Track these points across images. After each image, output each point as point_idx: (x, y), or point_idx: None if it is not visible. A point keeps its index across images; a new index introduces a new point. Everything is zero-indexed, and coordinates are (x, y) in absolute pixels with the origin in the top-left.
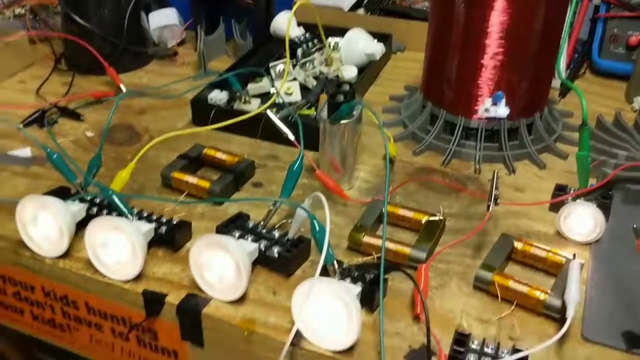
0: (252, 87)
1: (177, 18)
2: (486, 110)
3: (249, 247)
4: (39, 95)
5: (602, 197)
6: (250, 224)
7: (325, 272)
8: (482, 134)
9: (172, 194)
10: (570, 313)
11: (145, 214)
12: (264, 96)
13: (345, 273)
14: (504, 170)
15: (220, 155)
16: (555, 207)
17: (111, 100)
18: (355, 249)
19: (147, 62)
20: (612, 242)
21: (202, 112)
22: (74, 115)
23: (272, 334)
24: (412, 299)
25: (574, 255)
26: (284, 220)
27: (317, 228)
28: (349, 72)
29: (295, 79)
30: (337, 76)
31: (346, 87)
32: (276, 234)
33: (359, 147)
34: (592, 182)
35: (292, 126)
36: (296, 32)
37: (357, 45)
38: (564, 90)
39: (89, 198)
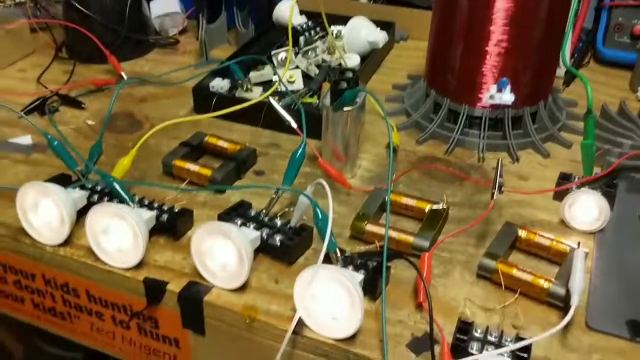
0: (254, 75)
1: (179, 6)
2: (491, 97)
3: (251, 235)
4: (39, 84)
5: (607, 186)
6: (252, 212)
7: (327, 261)
8: (485, 123)
9: (173, 181)
10: (574, 301)
11: (146, 202)
12: (266, 84)
13: (348, 261)
14: (508, 159)
15: (221, 143)
16: (560, 195)
17: (112, 88)
18: (357, 237)
19: (149, 51)
20: (616, 230)
21: (203, 100)
22: (75, 104)
23: (273, 322)
24: (415, 287)
25: (579, 244)
26: (286, 209)
27: (320, 216)
28: (352, 61)
29: (297, 67)
30: (340, 64)
31: (349, 74)
32: (278, 222)
33: (361, 135)
34: (597, 170)
35: (295, 114)
36: (298, 20)
37: (360, 33)
38: (569, 79)
39: (90, 185)
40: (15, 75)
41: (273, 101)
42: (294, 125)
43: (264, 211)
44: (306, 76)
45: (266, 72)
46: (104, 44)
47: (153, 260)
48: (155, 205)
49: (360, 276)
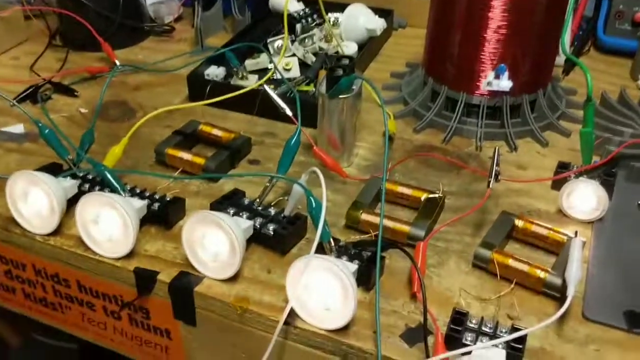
0: (249, 63)
1: None
2: (488, 83)
3: (243, 224)
4: (33, 71)
5: (606, 175)
6: (246, 201)
7: (321, 251)
8: (484, 111)
9: (166, 170)
10: (570, 291)
11: (138, 191)
12: (262, 72)
13: (342, 251)
14: (506, 147)
15: (216, 132)
16: (558, 185)
17: (106, 76)
18: (353, 227)
19: (143, 38)
20: (615, 220)
21: (198, 88)
22: (68, 91)
23: (265, 313)
24: (409, 277)
25: (576, 233)
26: (281, 198)
27: (314, 204)
28: (349, 48)
29: (294, 54)
30: (337, 52)
31: (346, 61)
32: (272, 211)
33: (358, 124)
34: (596, 159)
35: (291, 103)
36: (295, 7)
37: (358, 20)
38: (568, 68)
39: (81, 174)
40: (8, 63)
41: (268, 88)
42: (289, 113)
43: (257, 200)
44: (303, 64)
45: (262, 60)
46: (98, 32)
47: (144, 250)
48: (147, 194)
49: (354, 266)
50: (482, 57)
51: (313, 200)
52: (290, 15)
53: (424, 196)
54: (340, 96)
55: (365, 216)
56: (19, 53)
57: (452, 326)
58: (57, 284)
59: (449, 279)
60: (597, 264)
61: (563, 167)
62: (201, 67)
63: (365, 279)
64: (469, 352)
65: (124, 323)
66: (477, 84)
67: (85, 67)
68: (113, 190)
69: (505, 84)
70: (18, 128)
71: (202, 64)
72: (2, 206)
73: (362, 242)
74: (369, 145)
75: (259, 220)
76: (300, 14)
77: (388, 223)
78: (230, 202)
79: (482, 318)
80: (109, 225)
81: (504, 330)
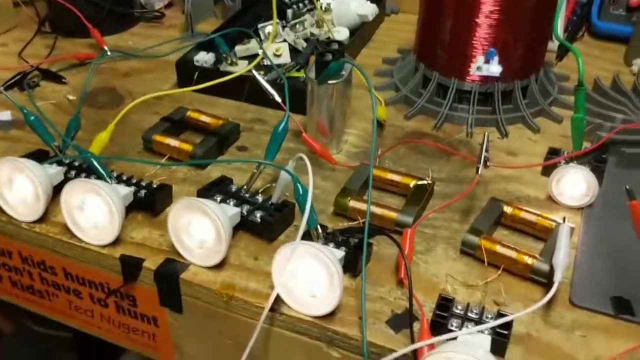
0: (239, 49)
1: None
2: (478, 68)
3: (230, 211)
4: (21, 58)
5: (596, 161)
6: (233, 188)
7: (308, 238)
8: (475, 97)
9: (154, 157)
10: (557, 277)
11: (124, 178)
12: (252, 58)
13: (330, 238)
14: (497, 134)
15: (204, 118)
16: (548, 171)
17: (95, 63)
18: (341, 214)
19: (133, 25)
20: (604, 206)
21: (187, 74)
22: (56, 78)
23: (251, 300)
24: (397, 263)
25: (564, 219)
26: (268, 185)
27: (301, 191)
28: (340, 34)
29: (285, 40)
30: (328, 38)
31: (335, 46)
32: (259, 198)
33: (348, 110)
34: (587, 145)
35: (281, 89)
36: None
37: (349, 6)
38: (562, 53)
39: (67, 161)
40: None
41: (256, 74)
42: (277, 98)
43: (245, 187)
44: (294, 50)
45: (252, 46)
46: (88, 18)
47: (130, 237)
48: (134, 181)
49: (341, 253)
50: (473, 42)
51: (300, 187)
52: (281, 1)
53: (413, 183)
54: (330, 82)
55: (353, 203)
56: (7, 40)
57: (437, 312)
58: (43, 272)
59: (437, 266)
60: (586, 250)
61: (553, 153)
62: (190, 53)
63: (352, 266)
64: (455, 338)
65: (110, 311)
66: (469, 69)
67: (74, 53)
68: (99, 177)
69: (494, 68)
70: (5, 115)
71: (191, 50)
72: None
73: (349, 229)
74: (358, 132)
75: (246, 207)
76: None
77: (376, 210)
78: (217, 189)
79: (468, 304)
80: (94, 212)
81: (490, 316)
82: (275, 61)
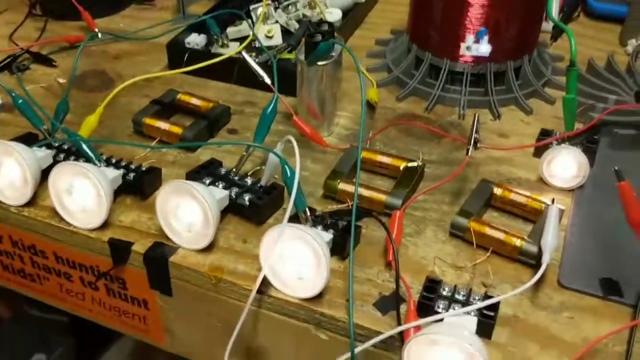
0: (231, 31)
1: None
2: (468, 48)
3: (218, 194)
4: (11, 41)
5: (588, 142)
6: (222, 171)
7: (297, 221)
8: (467, 78)
9: (143, 140)
10: (545, 259)
11: (114, 161)
12: (244, 40)
13: (318, 221)
14: (490, 116)
15: (194, 101)
16: (540, 153)
17: (86, 45)
18: (330, 196)
19: (125, 7)
20: (595, 188)
21: (178, 56)
22: (47, 61)
23: (239, 282)
24: (386, 246)
25: (553, 200)
26: (258, 167)
27: (289, 173)
28: (333, 15)
29: (277, 22)
30: (321, 19)
31: (325, 27)
32: (249, 180)
33: (339, 92)
34: (580, 127)
35: (272, 71)
36: None
37: None
38: (556, 34)
39: (56, 144)
40: None
41: (246, 55)
42: (267, 80)
43: (234, 170)
44: (286, 31)
45: (244, 28)
46: (79, 0)
47: (119, 221)
48: (123, 164)
49: (329, 236)
50: (465, 22)
51: (288, 169)
52: None
53: (403, 165)
54: (319, 63)
55: (342, 186)
56: None
57: (424, 294)
58: (34, 255)
59: (426, 248)
60: (576, 231)
61: (545, 134)
62: (181, 35)
63: (340, 248)
64: (441, 320)
65: (101, 294)
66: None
67: (64, 36)
68: (88, 160)
69: (484, 48)
70: None
71: (182, 32)
72: None
73: (338, 212)
74: (350, 114)
75: (235, 190)
76: None
77: (365, 192)
78: (206, 172)
79: (455, 286)
80: (82, 196)
81: (477, 298)
82: (267, 43)
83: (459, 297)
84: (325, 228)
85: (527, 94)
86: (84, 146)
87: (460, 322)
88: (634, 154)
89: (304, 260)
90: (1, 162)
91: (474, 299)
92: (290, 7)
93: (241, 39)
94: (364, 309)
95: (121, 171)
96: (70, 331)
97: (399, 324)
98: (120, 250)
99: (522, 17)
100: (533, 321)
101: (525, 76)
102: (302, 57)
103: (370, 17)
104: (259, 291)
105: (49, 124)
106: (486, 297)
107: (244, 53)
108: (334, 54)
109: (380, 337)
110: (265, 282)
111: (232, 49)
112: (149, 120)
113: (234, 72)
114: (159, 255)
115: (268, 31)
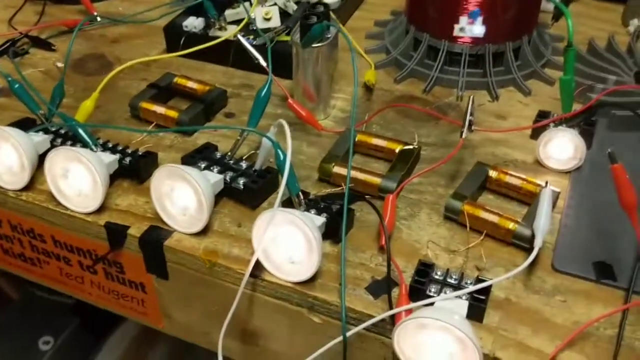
0: (229, 13)
1: None
2: (461, 29)
3: (212, 178)
4: (10, 25)
5: (586, 124)
6: (218, 155)
7: (290, 204)
8: (465, 59)
9: (141, 124)
10: (538, 242)
11: (110, 145)
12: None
13: (312, 204)
14: (488, 97)
15: (191, 84)
16: (537, 134)
17: (85, 29)
18: (325, 180)
19: None
20: (592, 170)
21: (176, 40)
22: (46, 45)
23: (233, 266)
24: (379, 230)
25: (546, 183)
26: (253, 151)
27: (281, 157)
28: None
29: (275, 4)
30: (319, 1)
31: (320, 8)
32: (243, 164)
33: (335, 74)
34: (578, 108)
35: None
36: None
37: None
38: (557, 14)
39: (53, 129)
40: None
41: (242, 38)
42: (262, 63)
43: (229, 154)
44: (284, 13)
45: (242, 10)
46: None
47: (115, 205)
48: (120, 148)
49: (321, 219)
50: (463, 2)
51: (280, 153)
52: None
53: (398, 148)
54: (314, 45)
55: (337, 169)
56: None
57: (416, 278)
58: (33, 239)
59: (420, 231)
60: (572, 214)
61: (542, 116)
62: (179, 18)
63: (333, 232)
64: (432, 304)
65: (100, 277)
66: None
67: (63, 20)
68: (84, 145)
69: (478, 29)
70: None
71: (180, 14)
72: None
73: (331, 195)
74: (347, 97)
75: (229, 174)
76: None
77: (359, 175)
78: (201, 156)
79: (448, 270)
80: (78, 180)
81: (469, 282)
82: (266, 25)
83: (451, 280)
84: (319, 212)
85: (526, 75)
86: (80, 131)
87: (450, 306)
88: (631, 135)
89: (295, 245)
90: None
91: (466, 283)
92: None
93: (239, 22)
94: (356, 292)
95: (117, 156)
96: (75, 313)
97: (391, 308)
98: (116, 234)
99: None
100: (525, 304)
101: (524, 57)
102: (297, 39)
103: None
104: (253, 275)
105: (45, 109)
106: (478, 280)
107: (239, 36)
108: (329, 35)
109: (372, 320)
110: (259, 266)
111: (230, 32)
112: (145, 105)
113: (230, 55)
114: (155, 238)
115: (266, 13)
